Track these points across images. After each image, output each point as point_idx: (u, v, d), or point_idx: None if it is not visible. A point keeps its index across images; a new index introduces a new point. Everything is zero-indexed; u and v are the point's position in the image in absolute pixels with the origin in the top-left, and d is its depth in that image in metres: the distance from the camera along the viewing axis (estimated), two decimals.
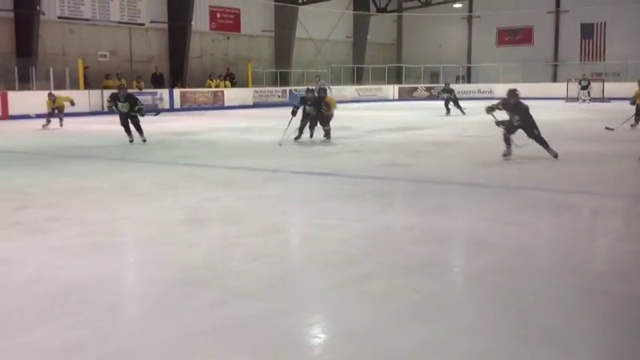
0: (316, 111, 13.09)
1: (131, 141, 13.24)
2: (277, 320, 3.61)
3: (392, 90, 37.47)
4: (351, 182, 8.41)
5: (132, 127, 13.36)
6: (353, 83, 37.00)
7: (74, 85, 23.79)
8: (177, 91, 27.07)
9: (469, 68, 40.37)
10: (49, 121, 17.42)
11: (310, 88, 14.17)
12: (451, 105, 21.69)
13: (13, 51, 23.59)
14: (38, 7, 23.61)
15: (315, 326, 3.67)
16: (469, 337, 3.38)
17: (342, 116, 22.84)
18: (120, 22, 27.18)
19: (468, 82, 39.14)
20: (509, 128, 9.95)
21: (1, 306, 3.88)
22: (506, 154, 9.99)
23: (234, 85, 30.19)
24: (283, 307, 3.83)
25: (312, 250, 5.25)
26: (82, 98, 22.81)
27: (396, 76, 39.62)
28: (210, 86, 28.89)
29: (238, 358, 3.14)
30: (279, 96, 31.07)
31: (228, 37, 31.88)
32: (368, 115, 23.18)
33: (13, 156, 11.58)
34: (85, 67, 24.56)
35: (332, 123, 13.51)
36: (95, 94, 23.87)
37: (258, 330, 3.46)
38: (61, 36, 25.03)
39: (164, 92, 26.53)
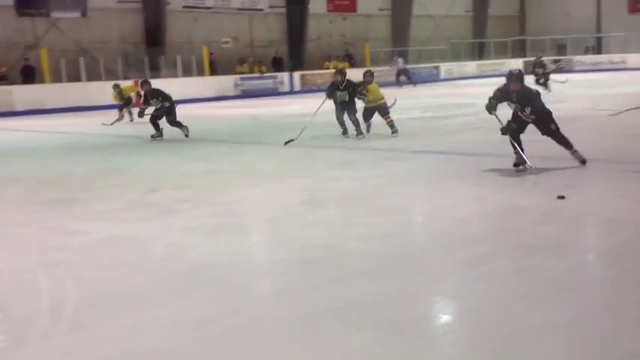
0: (349, 97, 10.75)
1: (187, 135, 11.91)
2: (397, 299, 3.62)
3: (516, 64, 36.11)
4: (472, 160, 8.24)
5: (167, 120, 12.03)
6: (474, 59, 36.03)
7: (200, 72, 24.75)
8: (296, 74, 27.49)
9: (599, 38, 38.16)
10: (122, 116, 16.13)
11: (340, 69, 11.56)
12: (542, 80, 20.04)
13: (143, 41, 24.86)
14: None
15: (435, 306, 3.66)
16: (597, 320, 3.24)
17: (464, 93, 22.36)
18: (240, 9, 27.91)
19: (598, 52, 37.01)
20: (519, 128, 7.21)
21: (137, 282, 4.15)
22: (521, 165, 7.13)
23: (352, 65, 30.25)
24: (402, 286, 3.84)
25: (430, 229, 5.22)
26: (210, 84, 23.80)
27: (519, 50, 38.17)
28: (328, 68, 29.09)
29: (359, 336, 3.19)
30: None
31: (344, 18, 31.90)
32: (490, 92, 22.47)
33: (148, 141, 12.21)
34: (211, 54, 25.47)
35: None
36: (222, 79, 24.76)
37: (377, 309, 3.49)
38: (186, 25, 26.04)
39: (284, 75, 27.03)
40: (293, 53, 29.24)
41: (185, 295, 3.89)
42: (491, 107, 7.39)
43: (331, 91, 10.88)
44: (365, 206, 5.90)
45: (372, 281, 3.94)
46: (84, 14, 23.08)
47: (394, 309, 3.49)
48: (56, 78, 21.40)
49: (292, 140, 10.20)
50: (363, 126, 10.85)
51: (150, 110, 12.29)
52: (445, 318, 3.50)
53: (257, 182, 7.48)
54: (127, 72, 23.09)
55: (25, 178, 8.47)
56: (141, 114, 12.58)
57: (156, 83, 20.35)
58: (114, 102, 16.64)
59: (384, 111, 11.01)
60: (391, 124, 10.90)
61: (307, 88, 27.18)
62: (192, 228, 5.41)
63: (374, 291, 3.77)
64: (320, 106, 10.76)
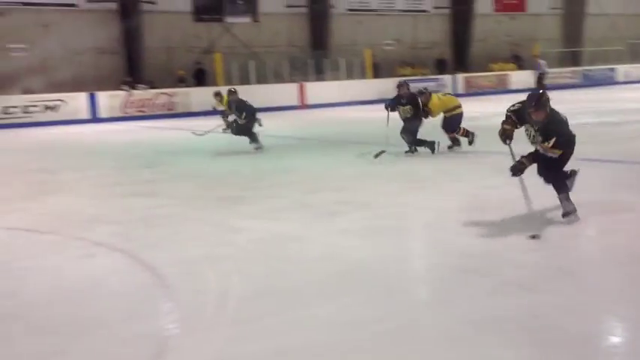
0: (413, 113, 9.61)
1: (257, 148, 11.29)
2: (558, 316, 3.45)
3: None
4: None
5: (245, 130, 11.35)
6: None
7: (363, 74, 25.05)
8: (460, 76, 27.02)
9: None
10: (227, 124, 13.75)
11: (403, 82, 10.23)
12: None
13: (309, 44, 25.63)
14: (330, 2, 25.36)
15: (601, 326, 3.43)
16: None
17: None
18: (404, 11, 27.94)
19: None
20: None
21: (295, 280, 4.28)
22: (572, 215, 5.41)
23: (519, 67, 29.18)
24: (565, 302, 3.65)
25: (600, 243, 4.92)
26: (371, 86, 24.05)
27: None
28: (493, 70, 28.32)
29: (513, 352, 3.07)
30: (569, 77, 29.30)
31: (512, 18, 30.88)
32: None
33: (311, 143, 12.58)
34: (373, 56, 25.69)
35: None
36: (383, 82, 24.85)
37: (537, 324, 3.35)
38: (350, 28, 26.49)
39: (446, 78, 26.67)
40: (457, 55, 28.78)
41: (340, 296, 3.95)
42: (506, 136, 5.60)
43: (392, 104, 9.84)
44: (527, 215, 5.66)
45: (533, 294, 3.78)
46: (255, 19, 24.21)
47: (555, 326, 3.32)
48: (227, 81, 22.63)
49: (383, 152, 9.45)
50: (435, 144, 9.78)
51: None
52: (612, 339, 3.28)
53: (415, 186, 7.44)
54: (293, 75, 23.92)
55: (197, 176, 9.04)
56: (229, 124, 11.62)
57: (320, 86, 20.95)
58: (218, 108, 15.64)
59: (453, 125, 9.87)
60: (465, 134, 9.87)
61: (472, 91, 26.63)
62: (350, 230, 5.49)
63: (534, 305, 3.61)
64: (388, 118, 9.83)
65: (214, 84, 22.31)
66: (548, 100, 5.41)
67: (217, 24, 23.73)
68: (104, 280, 4.50)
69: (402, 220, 5.96)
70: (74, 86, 19.94)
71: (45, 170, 9.98)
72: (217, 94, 15.50)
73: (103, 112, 19.86)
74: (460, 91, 26.53)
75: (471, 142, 9.92)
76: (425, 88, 10.23)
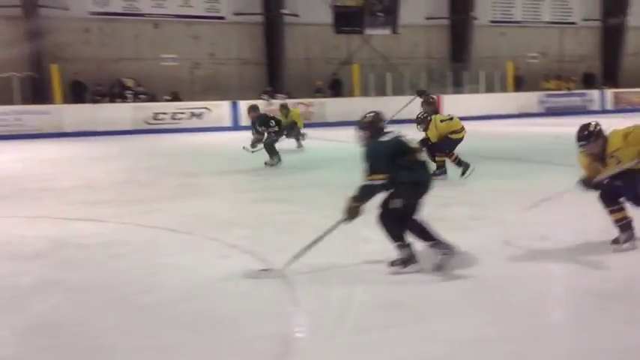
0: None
1: (271, 164, 11.08)
2: None
3: None
4: None
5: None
6: None
7: (503, 88, 24.38)
8: (609, 92, 25.59)
9: None
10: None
11: (430, 96, 10.07)
12: None
13: (448, 56, 25.30)
14: (472, 13, 24.92)
15: None
16: None
17: None
18: (551, 22, 26.93)
19: None
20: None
21: (420, 294, 4.24)
22: (408, 265, 4.70)
23: None
24: None
25: None
26: (511, 100, 23.38)
27: None
28: None
29: None
30: None
31: None
32: None
33: None
34: (517, 69, 24.91)
35: None
36: (524, 95, 24.09)
37: None
38: (492, 40, 25.87)
39: (594, 93, 25.36)
40: (606, 69, 27.32)
41: (465, 313, 3.86)
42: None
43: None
44: None
45: None
46: (394, 31, 24.25)
47: None
48: (364, 92, 22.80)
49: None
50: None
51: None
52: None
53: (550, 204, 7.10)
54: (430, 87, 23.68)
55: (329, 185, 9.16)
56: (254, 145, 11.30)
57: (457, 98, 20.57)
58: None
59: (442, 148, 9.20)
60: (457, 163, 9.24)
61: (621, 107, 25.15)
62: (481, 247, 5.34)
63: None
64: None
65: (351, 95, 22.58)
66: (373, 122, 4.85)
67: (357, 36, 23.99)
68: (235, 280, 4.66)
69: (536, 238, 5.71)
70: (218, 95, 20.89)
71: (187, 174, 10.52)
72: (284, 107, 14.73)
73: (244, 120, 20.56)
74: (608, 107, 25.18)
75: (463, 174, 9.12)
76: (425, 114, 9.33)
